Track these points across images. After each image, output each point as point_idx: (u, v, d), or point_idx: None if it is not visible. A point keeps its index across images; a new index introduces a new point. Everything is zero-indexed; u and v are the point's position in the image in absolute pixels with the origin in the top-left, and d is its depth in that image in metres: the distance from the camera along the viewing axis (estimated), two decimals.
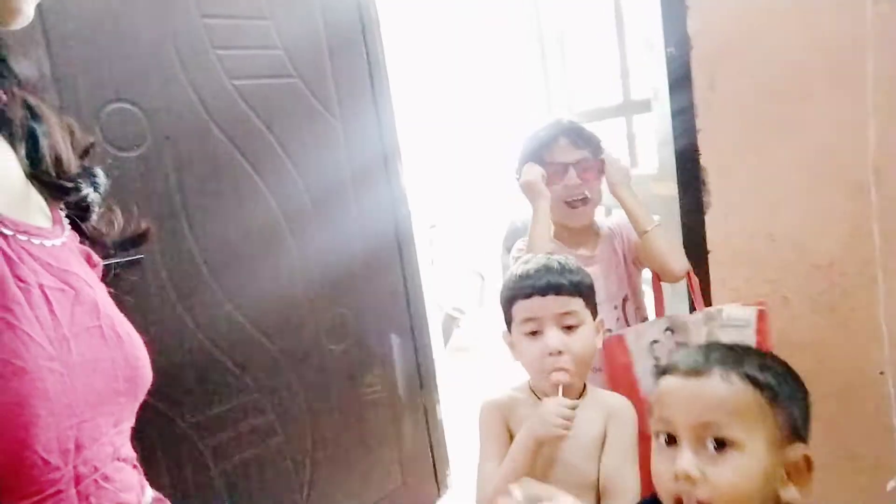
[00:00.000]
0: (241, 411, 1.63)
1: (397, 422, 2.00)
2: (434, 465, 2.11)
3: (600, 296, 1.34)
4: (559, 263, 1.09)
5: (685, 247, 1.48)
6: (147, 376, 0.63)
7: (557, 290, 1.05)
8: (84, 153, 0.69)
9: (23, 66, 0.63)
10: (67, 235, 0.62)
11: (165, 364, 1.46)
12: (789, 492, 0.74)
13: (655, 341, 1.37)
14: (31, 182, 0.61)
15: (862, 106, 1.29)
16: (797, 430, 0.76)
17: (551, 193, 1.45)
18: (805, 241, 1.45)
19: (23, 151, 0.61)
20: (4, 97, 0.61)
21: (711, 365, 0.77)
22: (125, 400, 0.60)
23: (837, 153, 1.38)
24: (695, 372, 0.76)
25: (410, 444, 2.04)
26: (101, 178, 0.68)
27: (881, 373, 1.37)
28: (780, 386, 0.76)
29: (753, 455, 0.72)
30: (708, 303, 1.49)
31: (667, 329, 1.38)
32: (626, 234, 1.53)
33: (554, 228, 1.51)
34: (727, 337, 1.30)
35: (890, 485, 1.28)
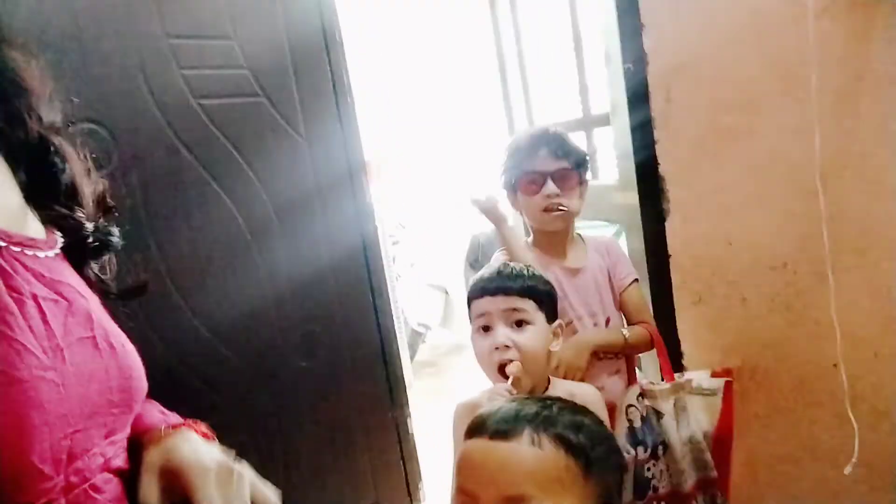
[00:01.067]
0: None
1: (369, 437, 2.00)
2: (407, 479, 2.11)
3: (579, 310, 1.47)
4: (513, 269, 1.19)
5: (647, 253, 1.54)
6: (141, 387, 0.64)
7: (506, 291, 1.16)
8: (106, 211, 0.69)
9: (46, 109, 0.64)
10: (60, 247, 0.62)
11: None
12: None
13: (630, 405, 1.42)
14: (30, 204, 0.62)
15: (808, 115, 1.37)
16: (611, 501, 0.68)
17: (529, 203, 1.49)
18: (760, 244, 1.52)
19: (22, 175, 0.61)
20: None
21: (521, 425, 0.68)
22: (118, 411, 0.60)
23: (787, 160, 1.46)
24: (502, 434, 0.67)
25: (383, 459, 2.03)
26: (116, 237, 0.70)
27: (834, 365, 1.44)
28: (593, 449, 0.68)
29: None
30: (670, 305, 1.55)
31: (639, 395, 1.43)
32: (614, 259, 1.55)
33: (533, 236, 1.55)
34: (695, 405, 1.37)
35: (847, 470, 1.35)
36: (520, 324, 1.12)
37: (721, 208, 1.53)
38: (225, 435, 1.62)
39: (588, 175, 1.54)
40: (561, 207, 1.46)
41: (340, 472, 1.89)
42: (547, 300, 1.17)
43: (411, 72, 4.47)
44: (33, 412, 0.50)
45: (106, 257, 0.70)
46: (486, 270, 1.24)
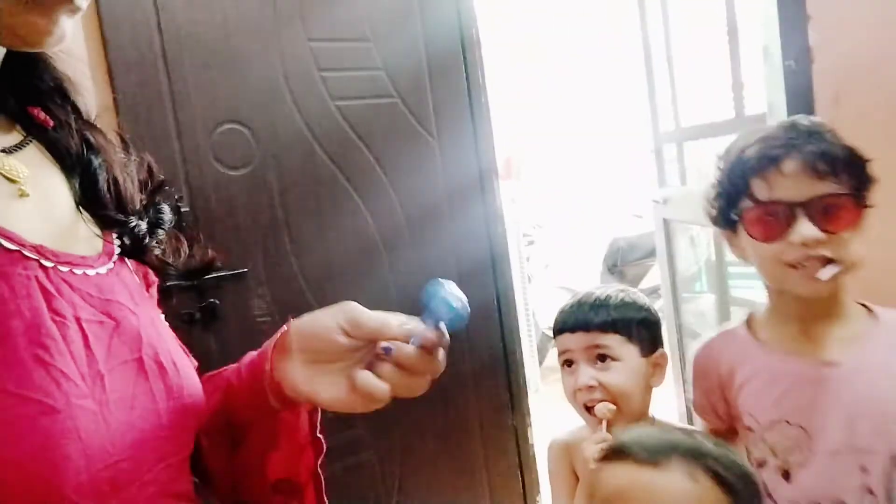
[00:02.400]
0: (332, 423, 1.66)
1: (486, 444, 1.97)
2: (524, 490, 2.06)
3: (831, 438, 0.90)
4: (596, 298, 1.05)
5: None
6: (197, 404, 0.61)
7: (586, 326, 1.02)
8: (157, 188, 0.67)
9: (80, 99, 0.62)
10: (115, 262, 0.60)
11: None
12: None
13: None
14: (82, 211, 0.60)
15: None
16: None
17: (764, 252, 0.91)
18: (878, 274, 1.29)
19: (76, 182, 0.60)
20: (52, 122, 0.60)
21: (671, 453, 0.63)
22: (169, 433, 0.57)
23: None
24: (652, 462, 0.63)
25: (500, 468, 2.00)
26: (167, 214, 0.67)
27: None
28: (744, 487, 0.64)
29: None
30: None
31: None
32: None
33: (770, 302, 0.99)
34: None
35: None
36: (604, 358, 1.02)
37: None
38: (345, 428, 1.69)
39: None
40: (828, 262, 0.87)
41: (457, 478, 1.88)
42: (640, 331, 1.03)
43: (554, 68, 4.38)
44: (69, 443, 0.48)
45: (162, 237, 0.66)
46: (569, 300, 1.11)
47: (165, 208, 0.67)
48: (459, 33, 1.90)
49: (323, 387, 0.58)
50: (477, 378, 1.94)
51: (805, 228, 0.85)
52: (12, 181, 0.55)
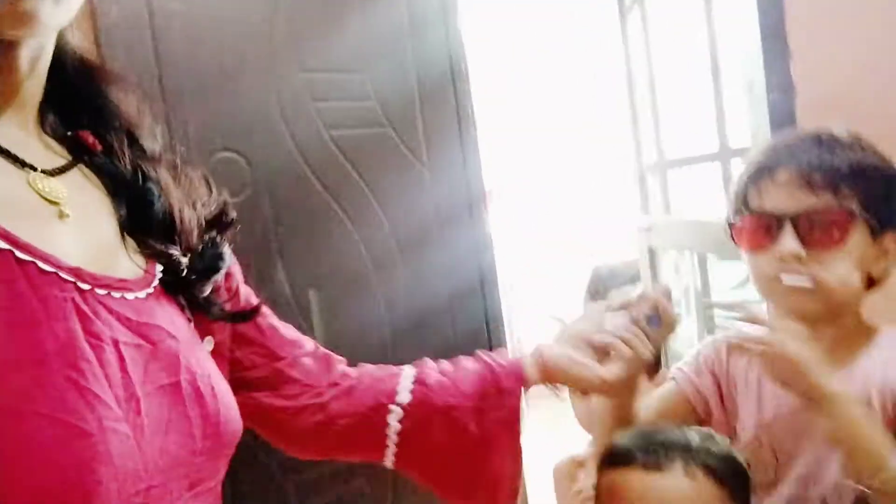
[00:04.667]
0: None
1: None
2: None
3: (797, 464, 0.86)
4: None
5: None
6: (234, 431, 0.61)
7: None
8: (223, 229, 0.67)
9: (140, 131, 0.63)
10: (156, 287, 0.60)
11: None
12: None
13: None
14: (126, 237, 0.61)
15: None
16: None
17: (754, 262, 0.89)
18: None
19: (122, 207, 0.61)
20: (100, 146, 0.61)
21: (672, 457, 0.70)
22: (203, 459, 0.57)
23: None
24: (655, 466, 0.70)
25: None
26: (226, 257, 0.67)
27: None
28: (736, 477, 0.71)
29: None
30: None
31: None
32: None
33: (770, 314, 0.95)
34: None
35: None
36: None
37: None
38: (336, 462, 1.67)
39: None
40: (800, 278, 0.83)
41: (448, 502, 1.86)
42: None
43: (538, 99, 4.46)
44: (101, 467, 0.48)
45: (215, 279, 0.66)
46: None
47: (226, 252, 0.67)
48: (449, 66, 1.93)
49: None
50: None
51: (787, 243, 0.82)
52: (53, 203, 0.55)
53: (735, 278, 2.58)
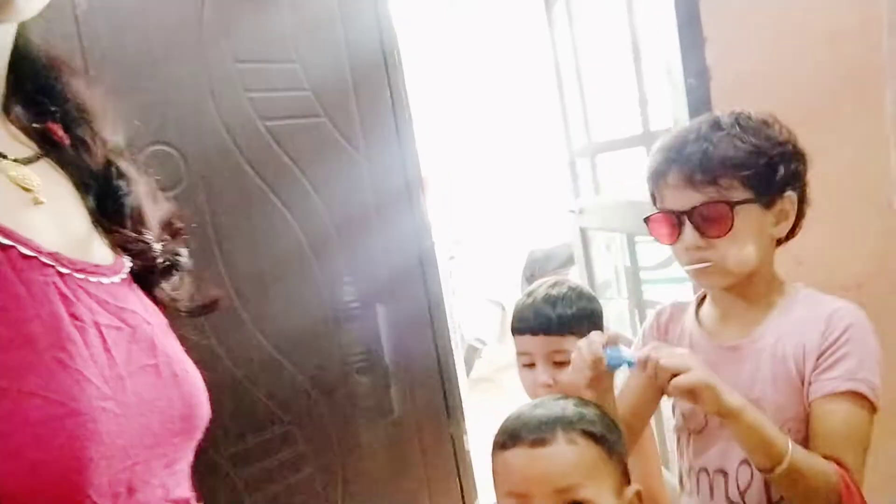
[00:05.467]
0: (273, 443, 1.65)
1: (425, 453, 2.00)
2: (462, 496, 2.10)
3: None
4: (555, 297, 1.14)
5: None
6: (204, 415, 0.63)
7: (546, 329, 1.13)
8: (176, 232, 0.69)
9: (109, 133, 0.65)
10: (127, 274, 0.62)
11: None
12: None
13: None
14: (98, 228, 0.62)
15: (882, 130, 1.32)
16: (626, 470, 0.81)
17: (672, 249, 1.02)
18: (833, 265, 1.46)
19: (91, 199, 0.62)
20: (67, 140, 0.62)
21: (554, 429, 0.78)
22: (180, 440, 0.59)
23: (862, 176, 1.40)
24: (540, 441, 0.77)
25: (439, 475, 2.04)
26: (184, 257, 0.70)
27: None
28: (610, 434, 0.80)
29: None
30: None
31: None
32: (828, 343, 0.94)
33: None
34: None
35: None
36: (562, 362, 1.12)
37: None
38: (286, 447, 1.68)
39: (788, 194, 1.00)
40: (700, 264, 0.95)
41: (397, 487, 1.90)
42: (591, 328, 1.13)
43: (468, 87, 4.51)
44: (91, 445, 0.49)
45: (176, 278, 0.69)
46: (527, 300, 1.19)
47: (183, 252, 0.70)
48: (382, 53, 1.95)
49: None
50: (413, 388, 1.97)
51: (687, 235, 0.96)
52: (27, 190, 0.56)
53: (661, 256, 2.71)
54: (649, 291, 2.56)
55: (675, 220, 0.97)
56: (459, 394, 2.16)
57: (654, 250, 2.63)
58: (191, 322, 1.48)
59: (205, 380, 1.48)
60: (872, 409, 0.92)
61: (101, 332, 0.53)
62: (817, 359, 0.93)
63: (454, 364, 2.19)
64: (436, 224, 2.20)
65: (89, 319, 0.53)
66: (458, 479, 2.09)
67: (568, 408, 0.80)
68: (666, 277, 2.71)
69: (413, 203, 2.02)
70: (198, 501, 0.65)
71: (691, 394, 0.86)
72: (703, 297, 1.09)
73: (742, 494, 0.98)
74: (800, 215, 1.01)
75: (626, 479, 0.80)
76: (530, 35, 2.72)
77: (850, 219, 1.42)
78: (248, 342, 1.60)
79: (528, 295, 1.19)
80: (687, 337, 1.05)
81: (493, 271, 4.41)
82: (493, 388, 3.84)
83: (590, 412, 0.81)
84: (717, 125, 0.99)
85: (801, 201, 1.01)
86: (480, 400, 3.44)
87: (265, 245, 1.64)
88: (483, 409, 3.25)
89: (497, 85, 4.51)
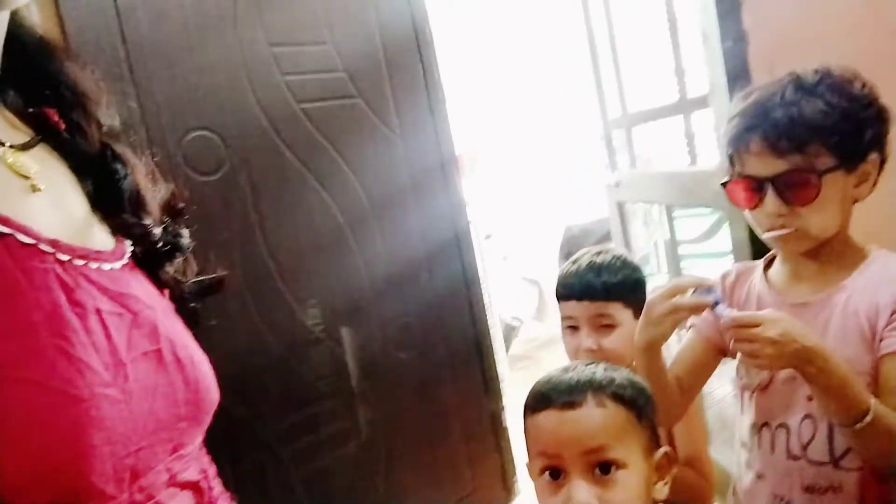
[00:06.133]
0: (316, 419, 1.70)
1: (465, 428, 2.03)
2: (503, 471, 2.13)
3: (789, 373, 0.95)
4: (598, 265, 1.15)
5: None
6: (211, 400, 0.62)
7: (591, 295, 1.13)
8: (177, 213, 0.68)
9: (102, 111, 0.63)
10: (129, 259, 0.60)
11: (247, 374, 1.54)
12: (660, 491, 0.80)
13: None
14: (97, 213, 0.61)
15: None
16: (656, 434, 0.82)
17: (751, 215, 0.99)
18: (876, 234, 1.42)
19: (89, 184, 0.61)
20: (64, 125, 0.61)
21: (584, 391, 0.79)
22: (186, 425, 0.58)
23: None
24: (570, 404, 0.78)
25: (478, 450, 2.07)
26: (185, 238, 0.68)
27: None
28: (640, 398, 0.81)
29: (635, 470, 0.76)
30: None
31: None
32: (883, 297, 0.92)
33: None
34: None
35: None
36: (607, 326, 1.13)
37: None
38: (330, 423, 1.72)
39: (872, 157, 0.94)
40: (782, 231, 0.94)
41: (438, 462, 1.94)
42: (635, 294, 1.14)
43: (501, 62, 4.46)
44: (94, 431, 0.49)
45: (179, 260, 0.67)
46: (571, 267, 1.20)
47: (184, 233, 0.68)
48: (414, 32, 1.95)
49: None
50: (452, 366, 2.00)
51: (770, 202, 0.93)
52: (24, 177, 0.55)
53: (700, 229, 2.67)
54: (689, 265, 2.52)
55: (757, 186, 0.94)
56: (497, 370, 2.19)
57: (694, 223, 2.59)
58: (237, 303, 1.54)
59: (252, 358, 1.54)
60: None
61: (102, 319, 0.53)
62: (891, 314, 0.91)
63: (492, 341, 2.21)
64: (471, 202, 2.21)
65: (90, 306, 0.52)
66: (497, 454, 2.12)
67: (598, 372, 0.82)
68: (705, 252, 2.67)
69: (448, 181, 2.03)
70: (217, 477, 0.64)
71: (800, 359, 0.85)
72: (773, 259, 1.08)
73: (805, 448, 0.98)
74: (879, 173, 0.98)
75: (655, 442, 0.81)
76: (563, 5, 2.68)
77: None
78: (291, 320, 1.64)
79: (573, 262, 1.20)
80: (755, 297, 1.04)
81: (528, 249, 4.39)
82: (532, 366, 3.84)
83: (620, 376, 0.82)
84: (800, 87, 0.94)
85: (882, 160, 0.98)
86: (519, 377, 3.45)
87: (304, 222, 1.67)
88: (521, 386, 3.26)
89: (530, 59, 4.46)
